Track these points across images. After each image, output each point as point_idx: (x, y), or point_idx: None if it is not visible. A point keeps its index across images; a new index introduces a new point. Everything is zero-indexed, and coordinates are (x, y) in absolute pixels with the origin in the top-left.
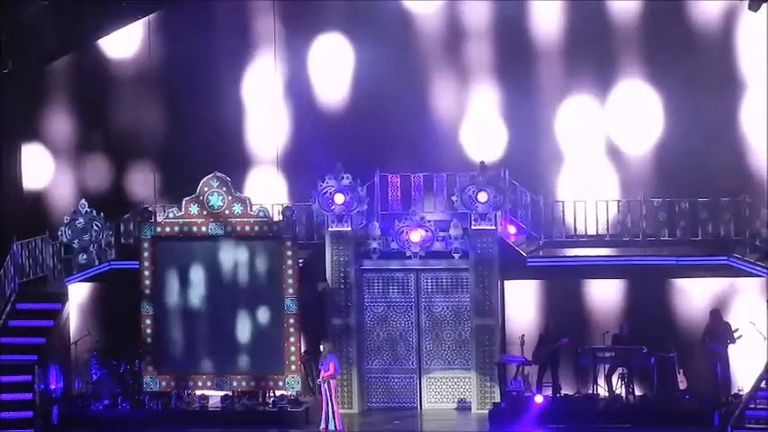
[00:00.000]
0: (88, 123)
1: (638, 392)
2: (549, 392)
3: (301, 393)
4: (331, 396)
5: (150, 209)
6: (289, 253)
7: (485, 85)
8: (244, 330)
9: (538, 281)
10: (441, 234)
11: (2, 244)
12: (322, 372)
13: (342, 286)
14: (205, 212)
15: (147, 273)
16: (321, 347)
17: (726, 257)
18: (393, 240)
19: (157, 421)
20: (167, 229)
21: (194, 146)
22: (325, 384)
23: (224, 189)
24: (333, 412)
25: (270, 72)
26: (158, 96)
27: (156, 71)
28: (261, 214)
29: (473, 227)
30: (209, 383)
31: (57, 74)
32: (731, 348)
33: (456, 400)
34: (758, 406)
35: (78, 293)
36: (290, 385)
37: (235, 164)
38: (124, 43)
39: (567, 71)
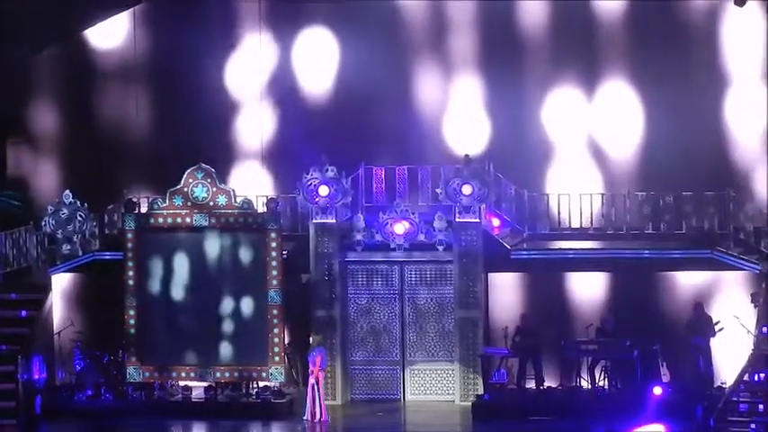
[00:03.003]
0: (73, 114)
1: (620, 385)
2: (531, 385)
3: (285, 385)
4: (319, 387)
5: (134, 200)
6: (273, 245)
7: (469, 77)
8: (227, 321)
9: (522, 273)
10: (425, 226)
11: None
12: (310, 365)
13: (326, 278)
14: (189, 204)
15: (130, 264)
16: (311, 340)
17: (709, 251)
18: (377, 232)
19: (140, 412)
20: (151, 221)
21: (179, 137)
22: (313, 375)
23: (208, 180)
24: (319, 403)
25: (255, 64)
26: (143, 87)
27: (140, 62)
28: (245, 206)
29: (457, 219)
30: (192, 374)
31: (41, 65)
32: (714, 342)
33: (439, 392)
34: (741, 399)
35: (62, 284)
36: (273, 376)
37: (219, 155)
38: (109, 34)
39: (553, 64)
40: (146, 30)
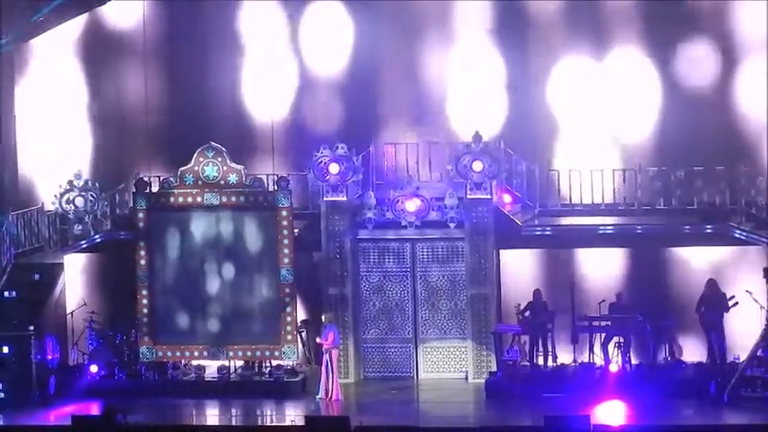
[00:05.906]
0: (84, 92)
1: (634, 361)
2: (540, 361)
3: (298, 363)
4: (332, 366)
5: (145, 179)
6: (284, 223)
7: (480, 53)
8: (240, 300)
9: (533, 250)
10: (436, 203)
11: None
12: (322, 342)
13: (337, 256)
14: (200, 183)
15: (142, 243)
16: (322, 318)
17: (721, 226)
18: (388, 210)
19: (154, 391)
20: (162, 200)
21: (190, 115)
22: (327, 354)
23: (219, 159)
24: (332, 382)
25: (267, 42)
26: (154, 65)
27: (152, 39)
28: (256, 184)
29: (468, 196)
30: (205, 353)
31: (53, 42)
32: (727, 317)
33: (452, 369)
34: (754, 374)
35: (74, 264)
36: (286, 355)
37: (231, 133)
38: (121, 11)
39: (563, 40)
40: (158, 6)
